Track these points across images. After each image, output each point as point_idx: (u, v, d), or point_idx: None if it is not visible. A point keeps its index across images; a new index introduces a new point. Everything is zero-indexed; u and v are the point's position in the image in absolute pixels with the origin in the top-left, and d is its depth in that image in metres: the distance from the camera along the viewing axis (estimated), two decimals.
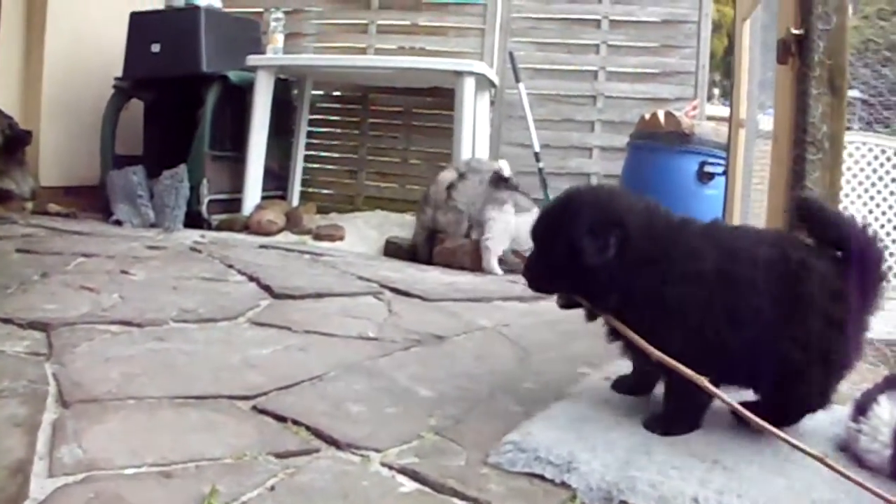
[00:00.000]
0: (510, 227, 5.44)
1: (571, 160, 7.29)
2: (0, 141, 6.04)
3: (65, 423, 2.10)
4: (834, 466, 2.03)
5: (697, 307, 2.30)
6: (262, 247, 5.37)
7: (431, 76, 6.92)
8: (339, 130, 8.02)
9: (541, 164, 6.77)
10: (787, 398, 2.36)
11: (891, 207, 8.25)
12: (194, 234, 5.82)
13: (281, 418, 2.28)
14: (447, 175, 5.83)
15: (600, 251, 2.32)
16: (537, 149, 6.79)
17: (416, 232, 5.90)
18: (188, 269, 4.35)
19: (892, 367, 5.73)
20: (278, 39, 7.07)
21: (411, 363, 2.95)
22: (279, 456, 2.03)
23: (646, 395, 2.64)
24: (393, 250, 5.86)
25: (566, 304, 2.59)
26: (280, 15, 7.21)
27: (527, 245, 5.13)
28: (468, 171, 5.82)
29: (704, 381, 2.21)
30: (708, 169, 5.59)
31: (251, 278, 4.19)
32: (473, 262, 5.29)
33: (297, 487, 1.88)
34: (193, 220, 6.36)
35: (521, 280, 4.46)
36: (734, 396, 2.26)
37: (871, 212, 8.37)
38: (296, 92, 7.58)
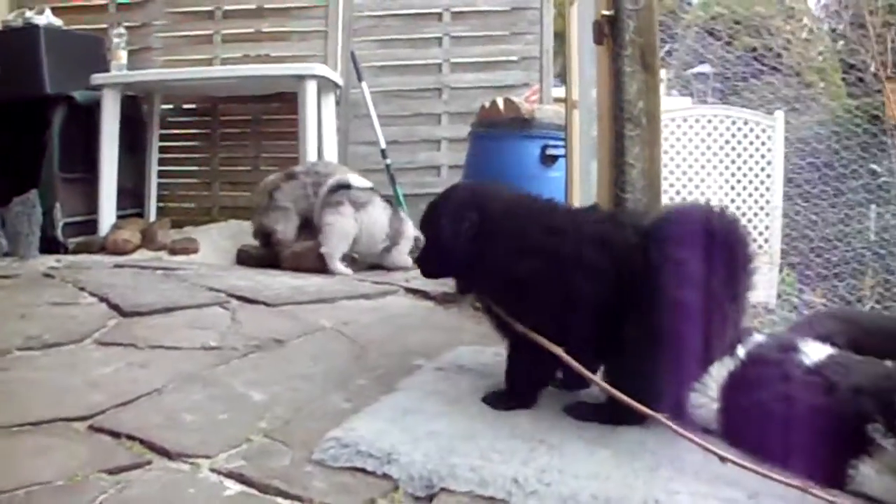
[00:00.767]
0: (349, 227, 5.56)
1: (420, 154, 7.43)
2: None
3: None
4: (672, 426, 2.22)
5: (540, 281, 2.50)
6: (116, 266, 5.35)
7: (275, 82, 7.00)
8: (191, 143, 7.98)
9: (388, 161, 6.90)
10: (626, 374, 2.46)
11: (745, 175, 8.53)
12: (50, 260, 5.74)
13: (116, 434, 2.35)
14: (269, 179, 5.98)
15: (456, 234, 2.59)
16: (383, 146, 6.92)
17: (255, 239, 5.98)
18: (39, 295, 4.33)
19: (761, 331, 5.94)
20: (122, 56, 7.02)
21: (248, 369, 3.06)
22: (111, 472, 2.10)
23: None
24: (245, 258, 5.91)
25: (461, 290, 2.90)
26: (122, 31, 7.12)
27: (380, 235, 5.25)
28: (301, 171, 5.94)
29: (560, 351, 2.44)
30: (550, 152, 5.68)
31: (102, 299, 4.19)
32: (322, 263, 5.36)
33: (124, 501, 1.96)
34: (49, 245, 6.26)
35: (369, 278, 4.60)
36: None
37: (727, 181, 8.65)
38: (145, 107, 7.53)
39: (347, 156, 7.32)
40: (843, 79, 10.51)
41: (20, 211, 6.18)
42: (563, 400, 2.63)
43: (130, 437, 2.32)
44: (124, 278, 4.91)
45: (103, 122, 6.64)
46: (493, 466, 2.10)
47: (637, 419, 2.37)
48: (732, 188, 8.69)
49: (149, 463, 2.18)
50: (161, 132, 7.60)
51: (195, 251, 6.28)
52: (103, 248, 6.31)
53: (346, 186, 5.72)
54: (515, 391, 2.63)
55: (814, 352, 2.32)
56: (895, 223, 8.72)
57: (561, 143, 5.32)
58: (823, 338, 2.58)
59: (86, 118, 6.73)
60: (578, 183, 4.63)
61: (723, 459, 2.07)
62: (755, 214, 8.70)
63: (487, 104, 6.09)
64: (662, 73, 10.40)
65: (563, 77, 6.36)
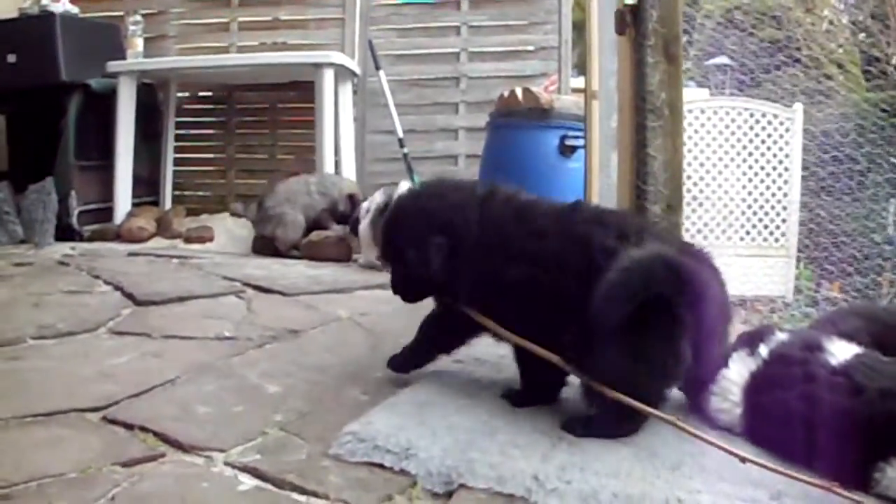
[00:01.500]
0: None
1: (437, 143, 7.38)
2: None
3: None
4: (685, 427, 2.15)
5: (529, 287, 2.39)
6: (131, 255, 5.36)
7: (292, 70, 6.98)
8: (206, 131, 7.99)
9: (405, 150, 6.85)
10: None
11: (762, 168, 8.47)
12: (65, 248, 5.76)
13: (129, 426, 2.31)
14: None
15: (425, 263, 2.46)
16: (401, 135, 6.86)
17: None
18: (53, 283, 4.32)
19: (778, 326, 5.89)
20: (138, 44, 7.02)
21: (263, 360, 3.02)
22: (124, 465, 2.07)
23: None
24: (261, 247, 5.89)
25: (444, 305, 2.72)
26: (138, 18, 7.13)
27: None
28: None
29: (557, 359, 2.34)
30: (569, 142, 5.62)
31: (116, 287, 4.18)
32: (339, 252, 5.32)
33: (137, 495, 1.92)
34: (64, 232, 6.28)
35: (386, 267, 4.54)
36: None
37: (744, 174, 8.60)
38: (161, 95, 7.52)
39: (365, 145, 7.30)
40: (865, 71, 10.43)
41: (36, 198, 6.19)
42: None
43: (144, 429, 2.28)
44: (139, 267, 4.90)
45: (119, 110, 6.66)
46: (512, 463, 2.06)
47: (634, 429, 2.30)
48: (750, 181, 8.64)
49: (162, 455, 2.15)
50: (177, 120, 7.60)
51: (210, 239, 6.28)
52: (118, 236, 6.32)
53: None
54: (530, 391, 2.56)
55: (840, 351, 2.26)
56: None
57: (580, 133, 5.25)
58: (846, 335, 2.53)
59: (102, 106, 6.72)
60: (597, 174, 4.57)
61: (743, 460, 2.02)
62: (772, 207, 8.65)
63: (506, 93, 6.04)
64: None
65: (581, 68, 6.31)
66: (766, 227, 8.68)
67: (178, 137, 7.63)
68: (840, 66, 10.60)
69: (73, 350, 3.12)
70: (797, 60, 10.26)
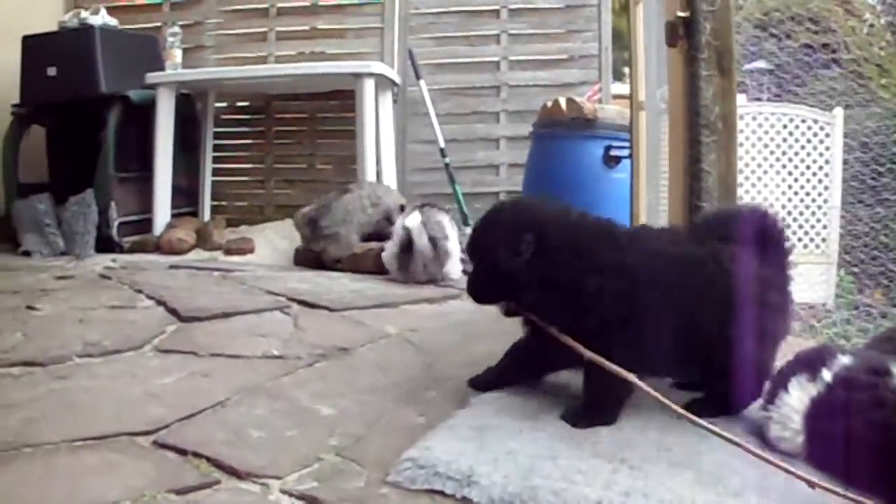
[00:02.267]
0: None
1: (478, 152, 7.33)
2: None
3: None
4: (754, 451, 2.09)
5: (613, 299, 2.43)
6: (172, 267, 5.33)
7: (331, 80, 6.95)
8: (245, 141, 7.96)
9: (447, 160, 6.81)
10: (719, 390, 2.49)
11: (802, 174, 8.40)
12: (105, 259, 5.75)
13: (181, 451, 2.26)
14: (302, 212, 5.88)
15: (515, 256, 2.49)
16: (442, 144, 6.83)
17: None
18: (96, 298, 4.29)
19: (816, 333, 5.83)
20: (176, 55, 7.01)
21: (314, 380, 2.96)
22: (179, 492, 2.02)
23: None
24: (302, 259, 5.82)
25: (509, 313, 2.72)
26: (177, 30, 7.12)
27: None
28: (356, 186, 5.91)
29: (633, 377, 2.34)
30: (614, 153, 5.59)
31: (159, 302, 4.15)
32: (377, 265, 5.24)
33: None
34: (104, 244, 6.29)
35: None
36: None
37: (784, 180, 8.52)
38: (199, 106, 7.52)
39: (406, 155, 7.27)
40: None
41: (76, 210, 6.21)
42: (639, 413, 2.52)
43: (197, 455, 2.23)
44: (180, 280, 4.87)
45: (158, 121, 6.65)
46: (576, 489, 1.99)
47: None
48: (790, 187, 8.57)
49: (217, 482, 2.10)
50: (215, 130, 7.59)
51: (251, 251, 6.25)
52: (158, 248, 6.31)
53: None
54: (595, 408, 2.52)
55: None
56: None
57: (624, 143, 5.21)
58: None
59: (141, 117, 6.72)
60: (644, 188, 4.53)
61: (812, 486, 1.96)
62: (812, 214, 8.57)
63: (550, 103, 6.01)
64: None
65: (617, 74, 6.27)
66: (806, 233, 8.60)
67: (216, 148, 7.61)
68: (882, 68, 10.49)
69: (119, 369, 3.07)
70: (837, 63, 10.18)
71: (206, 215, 7.33)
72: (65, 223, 6.23)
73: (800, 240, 8.55)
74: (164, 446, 2.32)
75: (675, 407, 2.29)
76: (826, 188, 8.53)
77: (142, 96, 6.66)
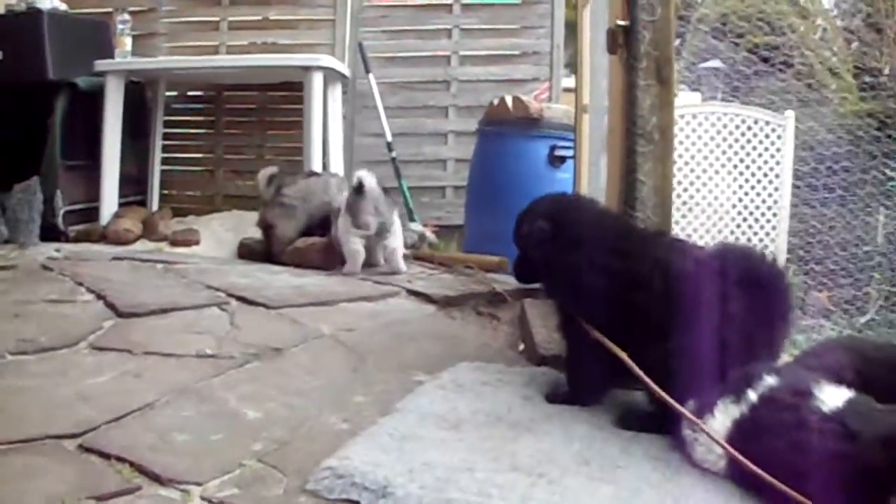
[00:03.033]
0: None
1: (426, 147, 7.37)
2: None
3: None
4: (723, 444, 2.24)
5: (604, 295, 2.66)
6: (116, 258, 5.25)
7: (282, 72, 6.93)
8: (195, 130, 7.92)
9: (393, 154, 6.85)
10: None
11: (753, 175, 8.47)
12: (49, 249, 5.64)
13: (106, 456, 2.28)
14: (268, 170, 5.86)
15: (534, 235, 2.79)
16: (389, 138, 6.86)
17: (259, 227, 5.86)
18: (35, 291, 4.26)
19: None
20: (126, 42, 6.93)
21: (244, 382, 2.99)
22: (98, 499, 2.04)
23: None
24: (246, 252, 5.80)
25: (548, 294, 3.11)
26: (126, 17, 7.02)
27: None
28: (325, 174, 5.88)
29: (623, 355, 2.58)
30: (559, 153, 5.63)
31: (99, 296, 4.11)
32: (324, 260, 5.24)
33: None
34: (49, 233, 6.17)
35: (371, 278, 4.53)
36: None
37: (735, 180, 8.60)
38: (150, 94, 7.45)
39: (353, 147, 7.28)
40: (855, 76, 10.44)
41: (21, 198, 6.12)
42: (564, 424, 2.58)
43: (120, 459, 2.25)
44: (123, 273, 4.84)
45: (106, 109, 6.56)
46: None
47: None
48: (740, 187, 8.65)
49: (138, 489, 2.12)
50: (165, 119, 7.52)
51: (196, 243, 6.23)
52: (104, 237, 6.25)
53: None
54: (577, 390, 2.83)
55: (830, 397, 2.23)
56: None
57: (570, 143, 5.24)
58: (831, 370, 2.52)
59: (89, 105, 6.62)
60: (586, 189, 4.55)
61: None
62: (762, 214, 8.65)
63: (496, 101, 6.03)
64: None
65: (572, 67, 6.30)
66: (755, 233, 8.68)
67: (166, 136, 7.54)
68: (834, 73, 10.60)
69: (52, 368, 3.08)
70: (790, 66, 10.27)
71: (155, 205, 7.30)
72: (9, 211, 6.13)
73: (749, 239, 8.63)
74: (89, 450, 2.33)
75: (656, 388, 2.43)
76: (776, 189, 8.62)
77: (90, 83, 6.59)
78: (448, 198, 7.30)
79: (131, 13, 7.18)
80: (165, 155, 7.54)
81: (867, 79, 9.89)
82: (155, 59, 7.39)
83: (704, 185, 8.57)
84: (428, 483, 2.11)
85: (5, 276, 4.70)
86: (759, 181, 8.60)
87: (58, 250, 5.63)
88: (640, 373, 2.51)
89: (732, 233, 8.67)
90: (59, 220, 6.32)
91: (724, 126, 8.56)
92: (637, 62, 3.20)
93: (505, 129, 5.88)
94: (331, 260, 5.21)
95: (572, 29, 5.62)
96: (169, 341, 3.43)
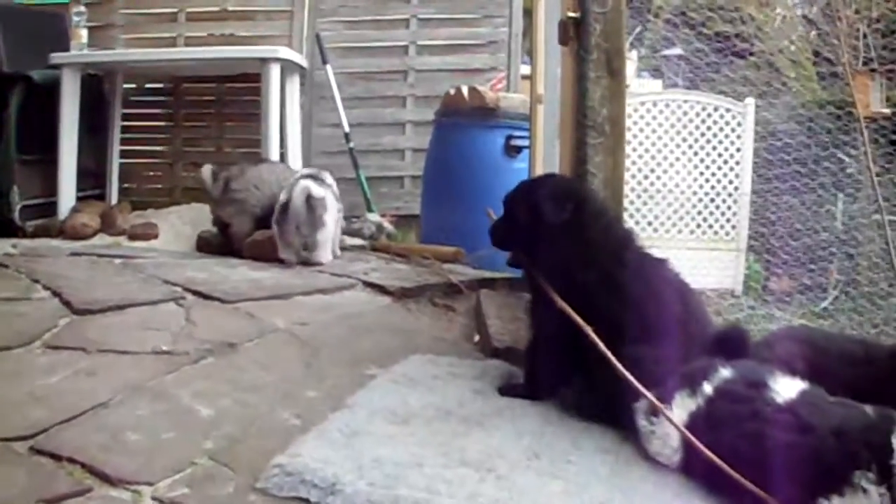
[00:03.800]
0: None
1: (384, 137, 7.38)
2: None
3: None
4: (685, 432, 2.31)
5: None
6: (73, 254, 5.22)
7: (239, 64, 6.93)
8: (154, 123, 7.85)
9: (351, 144, 6.87)
10: None
11: (714, 161, 8.53)
12: (6, 245, 5.63)
13: (57, 457, 2.26)
14: (206, 168, 5.85)
15: (558, 212, 2.78)
16: (347, 129, 6.88)
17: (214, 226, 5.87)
18: None
19: (724, 318, 5.95)
20: (82, 35, 6.85)
21: (198, 378, 2.99)
22: (49, 502, 2.03)
23: None
24: (204, 245, 5.80)
25: (514, 263, 3.08)
26: (81, 9, 6.92)
27: None
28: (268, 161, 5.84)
29: (589, 329, 2.63)
30: (515, 142, 5.62)
31: (55, 293, 4.07)
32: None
33: None
34: (6, 228, 6.17)
35: (328, 270, 4.52)
36: None
37: (696, 167, 8.66)
38: (107, 86, 7.39)
39: (312, 138, 7.27)
40: (814, 64, 10.51)
41: None
42: (514, 418, 2.61)
43: (72, 461, 2.24)
44: (79, 269, 4.80)
45: (63, 103, 6.52)
46: (438, 500, 2.04)
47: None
48: (701, 174, 8.71)
49: (89, 490, 2.11)
50: (123, 111, 7.46)
51: (155, 237, 6.22)
52: (62, 232, 6.22)
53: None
54: (534, 382, 2.87)
55: (784, 388, 2.26)
56: (861, 214, 8.74)
57: (526, 133, 5.25)
58: (782, 360, 2.55)
59: (45, 98, 6.55)
60: None
61: None
62: (723, 201, 8.72)
63: (452, 91, 6.03)
64: (633, 55, 10.37)
65: (532, 55, 6.32)
66: (716, 220, 8.75)
67: (124, 129, 7.49)
68: (793, 61, 10.66)
69: (6, 368, 3.05)
70: (750, 54, 10.33)
71: (114, 198, 7.26)
72: None
73: (710, 226, 8.69)
74: (40, 452, 2.31)
75: (623, 370, 2.48)
76: (737, 176, 8.69)
77: (46, 76, 6.53)
78: (406, 187, 7.31)
79: (87, 5, 7.07)
80: (124, 148, 7.49)
81: (825, 67, 9.96)
82: (111, 52, 7.35)
83: (665, 172, 8.63)
84: (377, 479, 2.11)
85: None
86: (719, 168, 8.68)
87: (14, 246, 5.61)
88: (608, 352, 2.54)
89: (693, 219, 8.73)
90: (16, 216, 6.30)
91: (685, 113, 8.62)
92: (588, 54, 3.22)
93: (461, 119, 5.87)
94: None
95: (532, 17, 5.63)
96: (124, 338, 3.40)
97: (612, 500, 2.10)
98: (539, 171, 4.65)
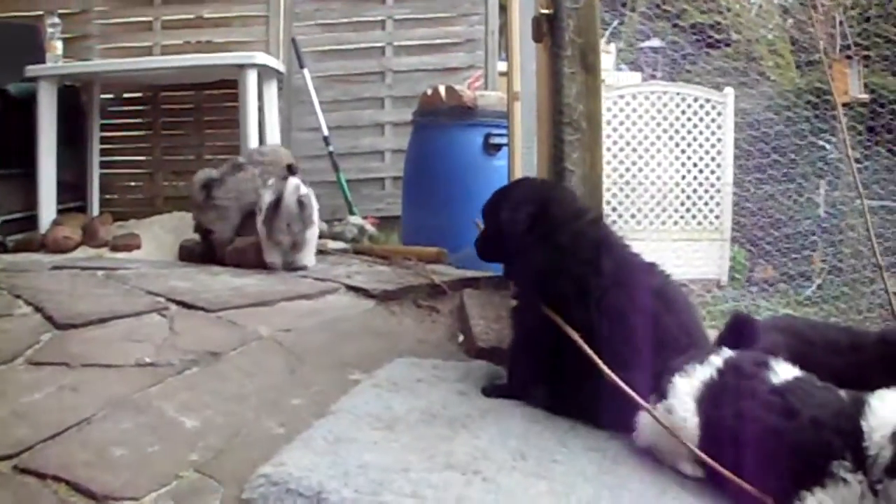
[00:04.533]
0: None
1: (364, 139, 7.39)
2: None
3: None
4: (672, 431, 2.26)
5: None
6: (55, 268, 5.19)
7: (216, 71, 6.91)
8: (133, 133, 7.83)
9: (330, 148, 6.87)
10: None
11: (695, 152, 8.55)
12: None
13: (41, 476, 2.26)
14: (201, 175, 5.75)
15: (514, 220, 2.79)
16: (326, 133, 6.88)
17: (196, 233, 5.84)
18: None
19: (708, 310, 5.96)
20: (57, 46, 6.81)
21: (182, 389, 2.98)
22: None
23: None
24: (186, 254, 5.78)
25: (507, 275, 3.14)
26: (56, 20, 6.86)
27: None
28: (246, 162, 5.78)
29: (575, 335, 2.62)
30: (494, 140, 5.63)
31: (37, 308, 4.03)
32: (261, 259, 5.18)
33: None
34: None
35: (312, 275, 4.51)
36: None
37: (677, 158, 8.68)
38: (84, 97, 7.37)
39: (291, 142, 7.23)
40: (792, 52, 10.55)
41: None
42: (500, 419, 2.61)
43: (56, 479, 2.24)
44: (62, 282, 4.76)
45: (40, 116, 6.48)
46: None
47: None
48: (683, 165, 8.74)
49: None
50: (102, 122, 7.43)
51: (137, 247, 6.19)
52: (43, 246, 6.19)
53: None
54: (516, 382, 2.89)
55: (783, 371, 2.27)
56: (843, 201, 8.76)
57: (505, 130, 5.25)
58: (765, 350, 2.55)
59: (21, 111, 6.54)
60: (520, 176, 4.56)
61: None
62: (706, 191, 8.75)
63: (429, 91, 6.03)
64: (612, 48, 10.39)
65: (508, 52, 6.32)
66: (699, 210, 8.77)
67: (104, 140, 7.46)
68: (772, 50, 10.69)
69: None
70: (727, 44, 10.35)
71: (95, 210, 7.22)
72: None
73: (694, 217, 8.71)
74: (24, 471, 2.31)
75: (608, 371, 2.49)
76: (719, 166, 8.73)
77: (22, 89, 6.52)
78: (387, 189, 7.31)
79: (61, 16, 7.01)
80: (104, 159, 7.46)
81: (803, 55, 10.00)
82: (88, 63, 7.31)
83: (647, 164, 8.65)
84: (362, 486, 2.11)
85: None
86: (700, 158, 8.71)
87: None
88: (592, 354, 2.54)
89: (676, 210, 8.75)
90: None
91: (665, 105, 8.65)
92: (562, 50, 3.21)
93: (439, 119, 5.89)
94: None
95: (507, 14, 5.64)
96: (108, 352, 3.38)
97: (599, 498, 2.10)
98: (518, 168, 4.65)
